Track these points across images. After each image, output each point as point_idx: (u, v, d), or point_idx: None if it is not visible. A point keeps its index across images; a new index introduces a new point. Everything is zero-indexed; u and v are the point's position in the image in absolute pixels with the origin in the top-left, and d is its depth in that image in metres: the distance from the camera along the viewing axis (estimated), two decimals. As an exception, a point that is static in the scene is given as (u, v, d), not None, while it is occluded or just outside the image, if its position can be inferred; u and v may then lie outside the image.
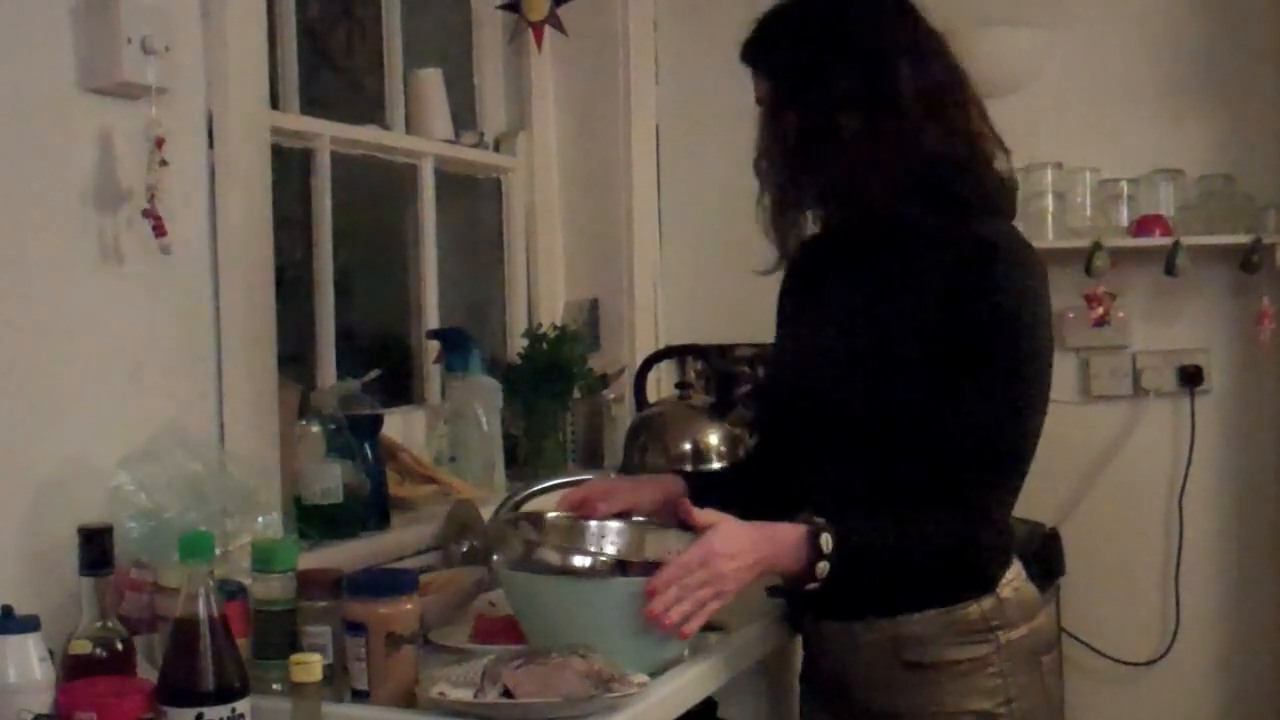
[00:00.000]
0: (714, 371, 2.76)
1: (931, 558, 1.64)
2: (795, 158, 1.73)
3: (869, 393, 1.68)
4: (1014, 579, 1.71)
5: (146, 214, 1.62)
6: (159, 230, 1.62)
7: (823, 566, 1.57)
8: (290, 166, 2.31)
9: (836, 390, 1.72)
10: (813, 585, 1.59)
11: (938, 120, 1.68)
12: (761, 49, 1.78)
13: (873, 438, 1.68)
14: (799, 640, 1.85)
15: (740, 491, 1.88)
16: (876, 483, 1.66)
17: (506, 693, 1.38)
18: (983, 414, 1.62)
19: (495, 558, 1.71)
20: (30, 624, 1.33)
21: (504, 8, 2.83)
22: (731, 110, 2.92)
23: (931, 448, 1.62)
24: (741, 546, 1.54)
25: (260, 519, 1.61)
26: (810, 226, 1.84)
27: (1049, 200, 3.00)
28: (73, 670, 1.37)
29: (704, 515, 1.57)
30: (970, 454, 1.63)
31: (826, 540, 1.57)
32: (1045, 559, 2.75)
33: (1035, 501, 1.93)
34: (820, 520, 1.59)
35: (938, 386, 1.62)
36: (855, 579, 1.61)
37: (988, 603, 1.67)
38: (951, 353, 1.63)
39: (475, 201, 2.90)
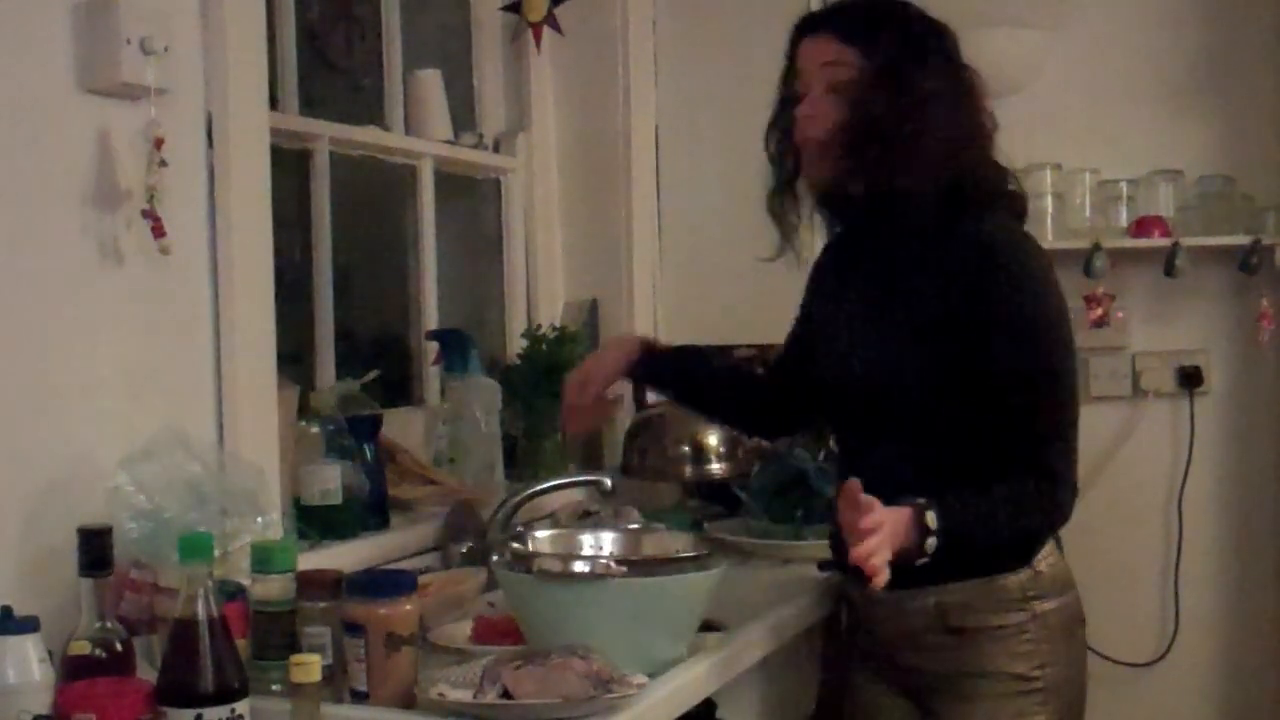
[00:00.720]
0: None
1: (1023, 526, 1.76)
2: (875, 137, 1.77)
3: (923, 385, 1.79)
4: (1049, 554, 1.83)
5: (146, 214, 1.62)
6: (158, 231, 1.62)
7: (931, 542, 1.68)
8: (289, 167, 2.31)
9: (892, 381, 1.83)
10: (923, 560, 1.69)
11: (982, 122, 1.82)
12: (860, 26, 1.82)
13: (929, 424, 1.80)
14: (793, 643, 1.86)
15: (692, 380, 2.13)
16: (956, 465, 1.77)
17: (506, 693, 1.38)
18: (1047, 385, 1.76)
19: (494, 558, 1.71)
20: (30, 625, 1.33)
21: (507, 9, 2.83)
22: (730, 111, 2.95)
23: (1006, 423, 1.75)
24: (888, 521, 1.65)
25: (259, 520, 1.61)
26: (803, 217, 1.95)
27: (1048, 201, 3.00)
28: (72, 671, 1.37)
29: (865, 498, 1.64)
30: (1046, 422, 1.75)
31: (932, 518, 1.68)
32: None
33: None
34: (922, 500, 1.69)
35: (993, 367, 1.74)
36: (959, 551, 1.71)
37: (1025, 574, 1.79)
38: (994, 335, 1.74)
39: (474, 202, 2.90)
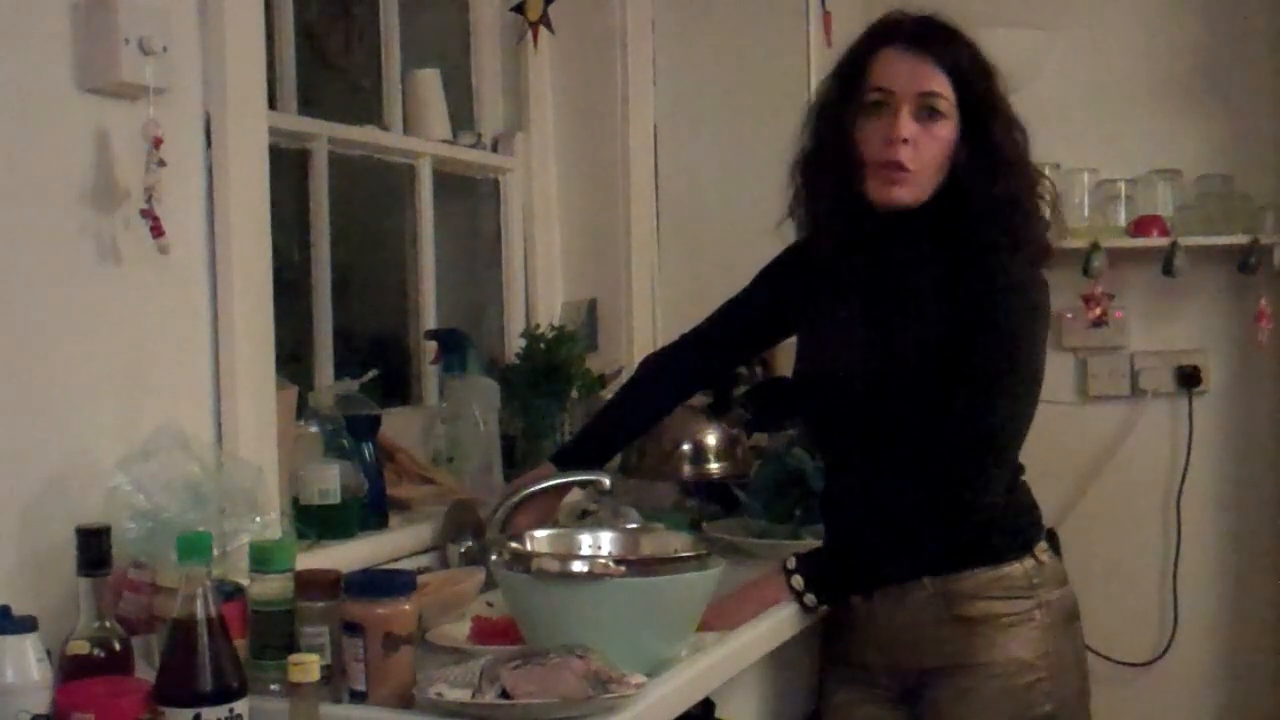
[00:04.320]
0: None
1: (920, 548, 1.82)
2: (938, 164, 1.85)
3: (889, 396, 1.86)
4: (1045, 548, 1.89)
5: (144, 214, 1.62)
6: (157, 231, 1.62)
7: (810, 599, 1.81)
8: (288, 167, 2.31)
9: (862, 392, 1.89)
10: (819, 608, 1.83)
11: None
12: (968, 65, 1.86)
13: (890, 436, 1.86)
14: (793, 643, 1.86)
15: (601, 449, 2.19)
16: (882, 473, 1.85)
17: (504, 693, 1.38)
18: (982, 422, 1.80)
19: (493, 558, 1.71)
20: (28, 624, 1.33)
21: (514, 10, 2.82)
22: (729, 111, 2.95)
23: (937, 448, 1.80)
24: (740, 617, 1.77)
25: (258, 519, 1.61)
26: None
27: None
28: (70, 670, 1.37)
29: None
30: (969, 455, 1.80)
31: (798, 581, 1.81)
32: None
33: (1034, 501, 1.95)
34: (792, 563, 1.82)
35: (945, 393, 1.79)
36: (851, 588, 1.85)
37: (1029, 563, 1.86)
38: (958, 358, 1.79)
39: (473, 202, 2.90)
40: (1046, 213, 1.91)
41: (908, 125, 1.81)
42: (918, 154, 1.82)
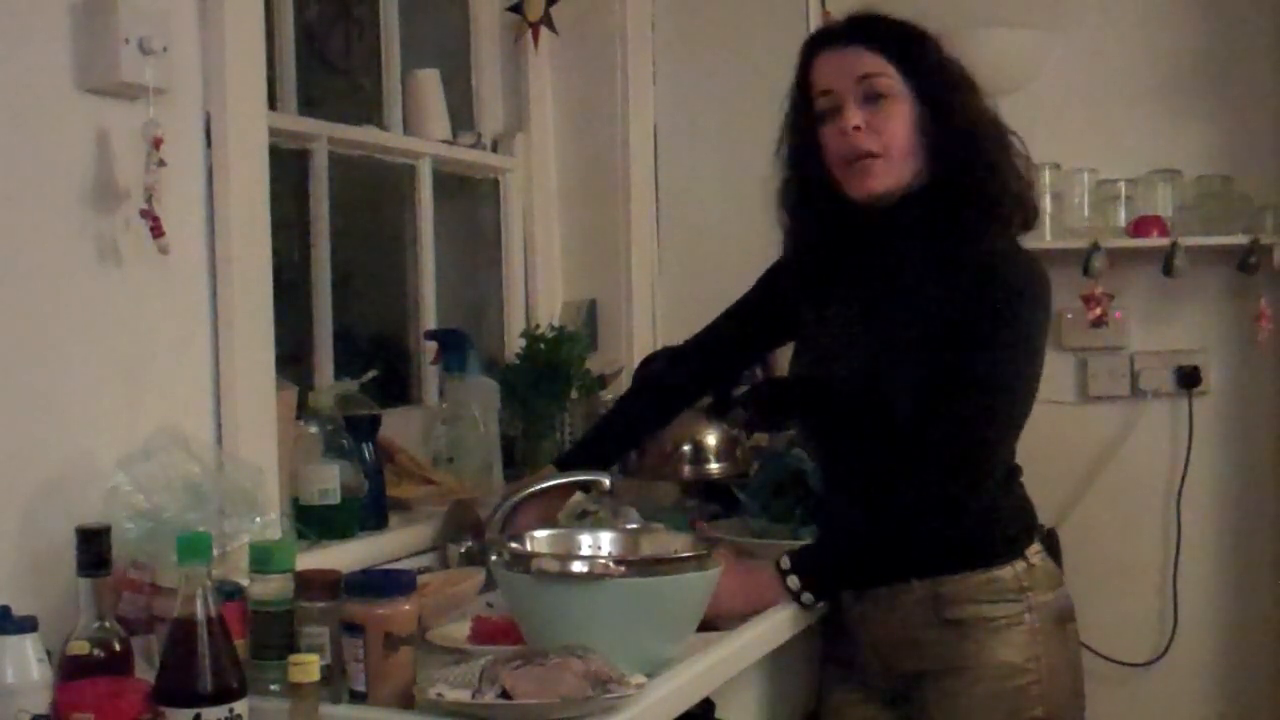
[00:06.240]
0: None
1: (915, 543, 1.82)
2: (905, 145, 1.84)
3: (882, 397, 1.84)
4: (1037, 550, 1.88)
5: (144, 214, 1.62)
6: (157, 231, 1.62)
7: (807, 597, 1.82)
8: (288, 167, 2.31)
9: (855, 394, 1.88)
10: (816, 605, 1.84)
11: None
12: (895, 40, 1.85)
13: (880, 435, 1.85)
14: (792, 643, 1.86)
15: (602, 454, 2.19)
16: (877, 473, 1.84)
17: (504, 693, 1.38)
18: (974, 423, 1.80)
19: (493, 558, 1.71)
20: (28, 624, 1.33)
21: (511, 9, 2.82)
22: (729, 111, 2.95)
23: (929, 449, 1.79)
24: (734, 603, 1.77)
25: (258, 519, 1.61)
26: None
27: (1047, 201, 3.00)
28: (70, 671, 1.37)
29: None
30: (961, 455, 1.80)
31: (794, 581, 1.81)
32: (1043, 559, 2.75)
33: (1033, 502, 1.95)
34: (786, 563, 1.82)
35: (937, 394, 1.78)
36: (844, 583, 1.86)
37: (1019, 566, 1.84)
38: (949, 355, 1.78)
39: (473, 202, 2.90)
40: (1023, 169, 1.90)
41: (854, 114, 1.83)
42: (877, 137, 1.83)
